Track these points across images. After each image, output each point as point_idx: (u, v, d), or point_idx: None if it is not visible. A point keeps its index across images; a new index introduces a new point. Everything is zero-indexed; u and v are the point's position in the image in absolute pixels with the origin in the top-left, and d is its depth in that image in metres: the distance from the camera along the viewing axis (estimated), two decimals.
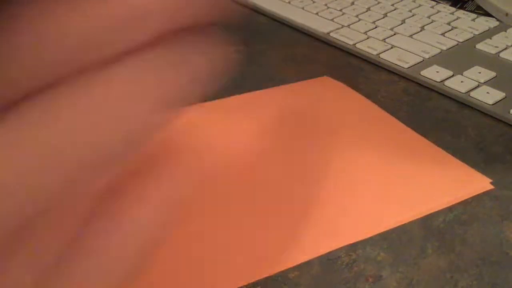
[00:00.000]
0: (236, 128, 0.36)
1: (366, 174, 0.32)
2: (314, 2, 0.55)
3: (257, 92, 0.40)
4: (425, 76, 0.42)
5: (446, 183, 0.31)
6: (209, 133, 0.35)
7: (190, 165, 0.31)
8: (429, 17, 0.51)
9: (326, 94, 0.40)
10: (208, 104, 0.38)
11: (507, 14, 0.50)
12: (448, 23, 0.50)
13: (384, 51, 0.46)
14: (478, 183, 0.32)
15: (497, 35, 0.48)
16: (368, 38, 0.48)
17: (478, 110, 0.39)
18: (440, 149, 0.34)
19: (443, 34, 0.48)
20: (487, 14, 0.52)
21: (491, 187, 0.32)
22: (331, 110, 0.38)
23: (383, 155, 0.34)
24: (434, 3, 0.55)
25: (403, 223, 0.29)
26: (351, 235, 0.28)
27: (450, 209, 0.30)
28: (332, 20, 0.51)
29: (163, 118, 0.15)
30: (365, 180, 0.31)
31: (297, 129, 0.36)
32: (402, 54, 0.45)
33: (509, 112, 0.38)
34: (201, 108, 0.38)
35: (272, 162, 0.33)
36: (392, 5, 0.54)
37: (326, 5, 0.54)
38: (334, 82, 0.42)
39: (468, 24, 0.50)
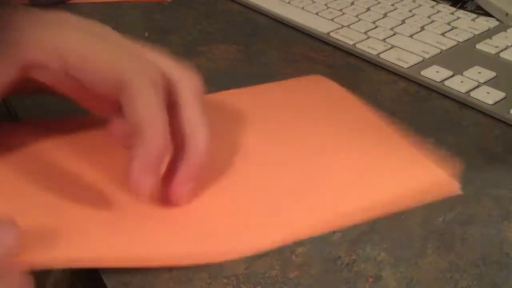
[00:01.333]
0: (223, 121, 0.36)
1: (335, 167, 0.33)
2: (314, 2, 0.55)
3: (247, 88, 0.41)
4: (425, 76, 0.42)
5: (410, 182, 0.32)
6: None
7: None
8: (429, 17, 0.51)
9: (312, 90, 0.41)
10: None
11: (507, 14, 0.50)
12: (448, 23, 0.50)
13: (384, 51, 0.46)
14: (445, 186, 0.31)
15: (497, 35, 0.48)
16: (368, 38, 0.48)
17: (478, 110, 0.39)
18: (415, 149, 0.34)
19: (443, 34, 0.48)
20: (487, 14, 0.52)
21: (459, 192, 0.31)
22: (312, 104, 0.39)
23: (357, 151, 0.34)
24: (434, 3, 0.54)
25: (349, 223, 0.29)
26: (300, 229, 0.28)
27: (450, 209, 0.30)
28: (332, 20, 0.51)
29: None
30: (332, 172, 0.32)
31: (280, 122, 0.36)
32: (402, 54, 0.45)
33: (509, 112, 0.38)
34: None
35: (252, 154, 0.34)
36: (392, 5, 0.54)
37: (326, 5, 0.54)
38: (324, 79, 0.42)
39: (468, 24, 0.50)
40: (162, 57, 0.30)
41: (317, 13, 0.52)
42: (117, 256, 0.26)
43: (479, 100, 0.39)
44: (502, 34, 0.48)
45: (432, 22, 0.50)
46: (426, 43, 0.47)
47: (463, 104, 0.40)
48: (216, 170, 0.32)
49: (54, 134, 0.33)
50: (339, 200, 0.30)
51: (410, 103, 0.40)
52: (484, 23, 0.50)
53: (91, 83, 0.28)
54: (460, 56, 0.45)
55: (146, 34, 0.48)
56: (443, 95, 0.41)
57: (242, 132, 0.35)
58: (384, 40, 0.47)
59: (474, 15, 0.52)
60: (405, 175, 0.32)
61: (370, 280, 0.26)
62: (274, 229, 0.28)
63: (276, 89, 0.41)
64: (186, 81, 0.29)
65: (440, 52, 0.45)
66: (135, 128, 0.27)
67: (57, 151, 0.32)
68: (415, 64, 0.44)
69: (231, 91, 0.40)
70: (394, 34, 0.48)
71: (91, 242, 0.27)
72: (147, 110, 0.27)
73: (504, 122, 0.38)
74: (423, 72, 0.42)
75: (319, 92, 0.41)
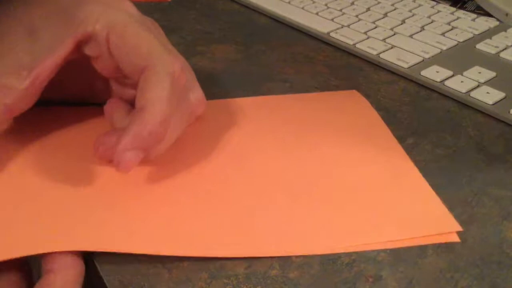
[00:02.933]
0: (240, 127, 0.36)
1: (341, 194, 0.31)
2: (314, 2, 0.55)
3: (276, 96, 0.40)
4: (425, 76, 0.42)
5: (415, 221, 0.30)
6: (215, 130, 0.36)
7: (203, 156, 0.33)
8: (429, 17, 0.51)
9: (345, 107, 0.39)
10: (220, 102, 0.39)
11: (507, 14, 0.50)
12: (448, 23, 0.50)
13: (384, 51, 0.46)
14: (446, 229, 0.29)
15: (497, 35, 0.48)
16: (368, 38, 0.48)
17: (478, 110, 0.39)
18: (430, 191, 0.32)
19: (443, 34, 0.48)
20: (487, 14, 0.52)
21: (457, 239, 0.29)
22: (339, 123, 0.37)
23: (373, 179, 0.32)
24: (434, 3, 0.55)
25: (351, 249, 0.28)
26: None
27: (449, 209, 0.30)
28: (332, 20, 0.51)
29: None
30: (339, 199, 0.31)
31: (297, 135, 0.36)
32: (402, 54, 0.45)
33: (509, 112, 0.38)
34: (216, 104, 0.38)
35: (267, 163, 0.33)
36: (392, 5, 0.54)
37: (326, 5, 0.54)
38: (359, 97, 0.40)
39: (468, 24, 0.50)
40: (191, 73, 0.32)
41: (317, 13, 0.52)
42: (116, 241, 0.27)
43: (479, 100, 0.39)
44: (502, 34, 0.48)
45: (432, 22, 0.50)
46: (426, 43, 0.47)
47: (463, 104, 0.40)
48: (222, 171, 0.32)
49: (60, 122, 0.34)
50: (340, 236, 0.29)
51: (410, 103, 0.40)
52: (484, 23, 0.50)
53: (121, 61, 0.29)
54: (460, 56, 0.45)
55: None
56: (443, 95, 0.41)
57: (258, 141, 0.35)
58: (384, 40, 0.47)
59: (474, 15, 0.52)
60: (415, 219, 0.30)
61: (370, 280, 0.26)
62: (268, 242, 0.28)
63: (304, 100, 0.40)
64: (196, 94, 0.31)
65: (440, 52, 0.45)
66: (139, 109, 0.28)
67: (70, 139, 0.33)
68: (415, 64, 0.44)
69: (259, 97, 0.40)
70: (394, 34, 0.48)
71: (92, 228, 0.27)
72: (157, 95, 0.28)
73: (504, 122, 0.38)
74: (423, 72, 0.42)
75: (347, 110, 0.39)
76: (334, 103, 0.40)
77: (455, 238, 0.29)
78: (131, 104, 0.32)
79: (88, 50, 0.30)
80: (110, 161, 0.29)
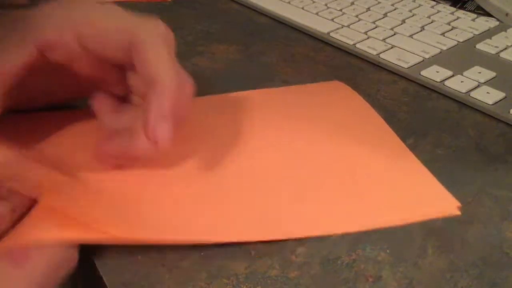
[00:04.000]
0: (232, 121, 0.36)
1: (340, 180, 0.32)
2: (314, 2, 0.55)
3: (265, 89, 0.41)
4: (425, 76, 0.42)
5: (414, 202, 0.30)
6: (211, 125, 0.36)
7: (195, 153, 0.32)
8: (429, 17, 0.51)
9: (331, 97, 0.40)
10: (215, 97, 0.39)
11: (507, 14, 0.50)
12: (448, 23, 0.50)
13: (384, 51, 0.46)
14: (445, 207, 0.30)
15: (497, 35, 0.48)
16: (368, 38, 0.48)
17: (478, 110, 0.39)
18: (426, 170, 0.33)
19: (443, 34, 0.48)
20: (487, 14, 0.52)
21: (458, 212, 0.30)
22: (331, 112, 0.38)
23: (364, 165, 0.33)
24: (434, 3, 0.55)
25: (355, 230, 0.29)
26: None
27: None
28: (332, 20, 0.51)
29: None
30: (338, 186, 0.31)
31: (290, 127, 0.36)
32: (402, 54, 0.45)
33: (509, 112, 0.38)
34: (207, 101, 0.38)
35: (266, 153, 0.34)
36: (392, 5, 0.54)
37: (326, 5, 0.54)
38: (344, 87, 0.41)
39: (468, 24, 0.50)
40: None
41: (317, 13, 0.52)
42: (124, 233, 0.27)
43: (479, 100, 0.39)
44: (502, 34, 0.48)
45: (432, 22, 0.50)
46: (426, 43, 0.47)
47: (463, 104, 0.40)
48: (219, 165, 0.32)
49: (47, 127, 0.34)
50: (340, 219, 0.29)
51: (410, 103, 0.40)
52: (484, 23, 0.50)
53: (102, 48, 0.29)
54: (460, 56, 0.45)
55: None
56: (443, 95, 0.41)
57: (251, 134, 0.35)
58: (384, 40, 0.47)
59: (474, 15, 0.52)
60: (413, 199, 0.30)
61: (370, 280, 0.26)
62: (271, 227, 0.28)
63: (293, 92, 0.40)
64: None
65: (440, 52, 0.45)
66: (148, 82, 0.28)
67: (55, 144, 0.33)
68: (415, 64, 0.44)
69: (246, 92, 0.40)
70: (394, 34, 0.48)
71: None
72: (160, 62, 0.28)
73: (504, 122, 0.38)
74: (423, 72, 0.42)
75: (336, 99, 0.40)
76: (323, 94, 0.40)
77: (456, 211, 0.30)
78: (118, 97, 0.32)
79: (58, 57, 0.29)
80: (115, 164, 0.30)
